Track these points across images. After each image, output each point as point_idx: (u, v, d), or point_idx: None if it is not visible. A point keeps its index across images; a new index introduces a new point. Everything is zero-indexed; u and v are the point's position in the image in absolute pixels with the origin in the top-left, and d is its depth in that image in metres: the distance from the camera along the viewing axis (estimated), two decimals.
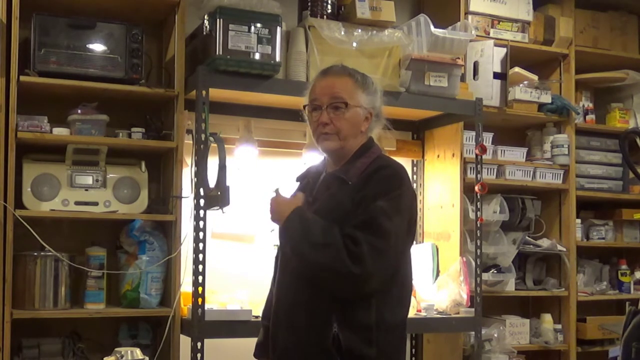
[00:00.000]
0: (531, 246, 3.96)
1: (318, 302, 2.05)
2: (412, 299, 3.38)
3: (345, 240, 1.97)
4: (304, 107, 2.22)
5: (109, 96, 3.08)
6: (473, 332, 3.45)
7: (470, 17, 3.78)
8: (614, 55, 4.23)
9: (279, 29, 3.02)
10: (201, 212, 2.90)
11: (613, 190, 4.23)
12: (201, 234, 2.90)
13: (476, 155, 3.47)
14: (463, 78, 3.63)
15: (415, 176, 3.85)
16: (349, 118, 2.14)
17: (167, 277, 3.12)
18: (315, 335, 2.05)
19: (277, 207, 2.12)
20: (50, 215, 3.00)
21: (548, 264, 4.17)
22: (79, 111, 3.02)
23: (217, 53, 2.91)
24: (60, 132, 2.97)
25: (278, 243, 2.23)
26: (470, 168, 3.64)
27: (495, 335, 3.67)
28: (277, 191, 2.19)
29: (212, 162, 2.93)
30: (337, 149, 2.17)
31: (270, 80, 3.07)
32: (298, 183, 2.35)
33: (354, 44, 3.21)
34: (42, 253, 2.94)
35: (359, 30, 3.24)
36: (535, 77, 3.94)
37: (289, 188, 2.31)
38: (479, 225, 3.45)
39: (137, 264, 3.07)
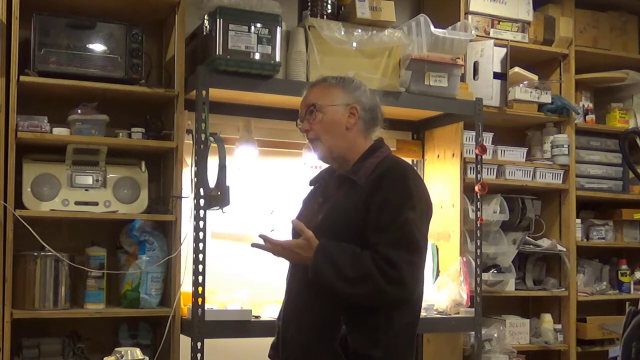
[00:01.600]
0: (531, 246, 3.96)
1: (327, 302, 2.06)
2: None
3: (380, 264, 1.97)
4: (296, 125, 2.28)
5: (109, 96, 3.08)
6: (473, 332, 3.45)
7: (470, 17, 3.78)
8: (614, 55, 4.23)
9: (279, 29, 3.02)
10: (201, 212, 2.89)
11: (613, 190, 4.23)
12: (201, 234, 2.89)
13: (476, 155, 3.47)
14: (463, 78, 3.63)
15: None
16: (324, 119, 2.17)
17: (167, 277, 3.12)
18: (323, 336, 2.05)
19: (298, 253, 2.08)
20: (50, 215, 3.00)
21: (548, 264, 4.17)
22: (79, 111, 3.02)
23: (217, 53, 2.91)
24: (60, 132, 2.97)
25: None
26: (470, 168, 3.64)
27: (495, 335, 3.67)
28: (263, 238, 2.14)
29: (212, 162, 2.93)
30: (326, 153, 2.20)
31: (270, 80, 3.07)
32: (311, 187, 2.37)
33: (354, 44, 3.21)
34: (42, 253, 2.94)
35: (359, 30, 3.24)
36: (535, 77, 3.94)
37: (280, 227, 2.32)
38: (479, 225, 3.45)
39: (137, 264, 3.07)
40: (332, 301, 2.04)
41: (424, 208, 2.12)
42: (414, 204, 2.06)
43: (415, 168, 3.84)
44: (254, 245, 2.13)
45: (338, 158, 2.20)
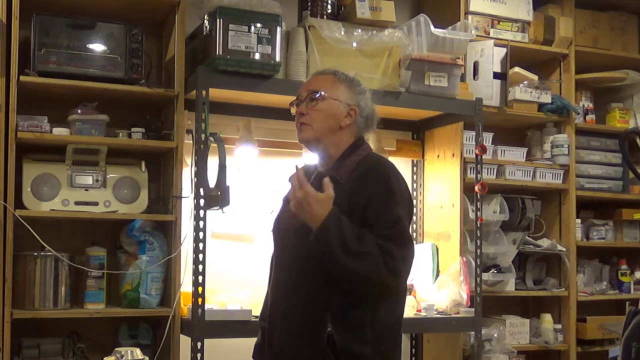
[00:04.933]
0: (531, 246, 3.96)
1: (313, 301, 2.05)
2: (412, 298, 3.39)
3: (382, 253, 1.98)
4: (290, 104, 2.25)
5: (109, 96, 3.08)
6: (473, 332, 3.45)
7: (470, 17, 3.77)
8: (614, 55, 4.23)
9: (279, 29, 3.02)
10: (201, 212, 2.90)
11: (613, 190, 4.23)
12: (201, 234, 2.90)
13: (476, 155, 3.47)
14: (463, 78, 3.63)
15: (415, 176, 3.85)
16: (324, 109, 2.17)
17: (167, 277, 3.12)
18: (310, 335, 2.05)
19: (312, 206, 1.98)
20: (50, 215, 3.00)
21: (548, 264, 4.17)
22: (79, 111, 3.02)
23: (217, 53, 2.92)
24: (60, 132, 2.98)
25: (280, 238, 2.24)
26: (470, 168, 3.64)
27: (495, 335, 3.67)
28: (297, 169, 2.03)
29: (212, 162, 2.93)
30: (312, 140, 2.19)
31: (270, 80, 3.07)
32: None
33: (354, 44, 3.21)
34: (42, 253, 2.94)
35: (359, 30, 3.24)
36: (535, 77, 3.94)
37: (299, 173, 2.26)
38: (479, 225, 3.45)
39: (137, 264, 3.07)
40: (319, 300, 2.04)
41: (407, 205, 2.14)
42: (397, 200, 2.07)
43: (414, 170, 3.86)
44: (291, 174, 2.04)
45: (321, 149, 2.20)
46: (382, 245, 1.99)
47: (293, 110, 2.24)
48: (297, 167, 2.07)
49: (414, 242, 2.18)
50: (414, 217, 3.71)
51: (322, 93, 2.17)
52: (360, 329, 2.04)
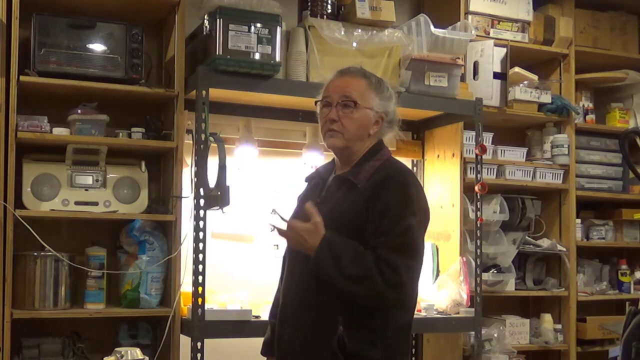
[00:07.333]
0: (531, 246, 3.96)
1: (324, 303, 2.06)
2: None
3: (381, 267, 1.97)
4: (316, 103, 2.24)
5: (109, 96, 3.08)
6: (473, 332, 3.45)
7: (470, 17, 3.78)
8: (614, 55, 4.23)
9: (279, 29, 3.02)
10: (201, 212, 2.90)
11: (613, 190, 4.23)
12: (201, 234, 2.89)
13: (476, 155, 3.47)
14: (463, 78, 3.63)
15: None
16: (357, 118, 2.15)
17: (167, 277, 3.12)
18: (320, 336, 2.05)
19: (306, 238, 2.04)
20: (50, 215, 3.00)
21: (548, 264, 4.17)
22: (79, 111, 3.02)
23: (217, 53, 2.91)
24: (60, 132, 2.97)
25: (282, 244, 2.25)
26: (470, 168, 3.64)
27: (495, 335, 3.67)
28: (275, 212, 2.12)
29: (212, 162, 2.93)
30: (342, 148, 2.18)
31: (270, 80, 3.07)
32: (306, 183, 2.36)
33: (354, 44, 3.21)
34: (42, 253, 2.94)
35: (359, 30, 3.24)
36: (535, 77, 3.95)
37: (286, 209, 2.30)
38: (479, 225, 3.45)
39: (137, 264, 3.07)
40: (331, 302, 2.04)
41: (423, 215, 2.14)
42: (414, 210, 2.08)
43: (414, 170, 3.86)
44: (270, 223, 2.11)
45: (348, 155, 2.20)
46: (385, 257, 1.98)
47: (318, 109, 2.22)
48: (274, 211, 2.09)
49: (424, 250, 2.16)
50: None
51: (357, 102, 2.15)
52: (371, 333, 2.05)
